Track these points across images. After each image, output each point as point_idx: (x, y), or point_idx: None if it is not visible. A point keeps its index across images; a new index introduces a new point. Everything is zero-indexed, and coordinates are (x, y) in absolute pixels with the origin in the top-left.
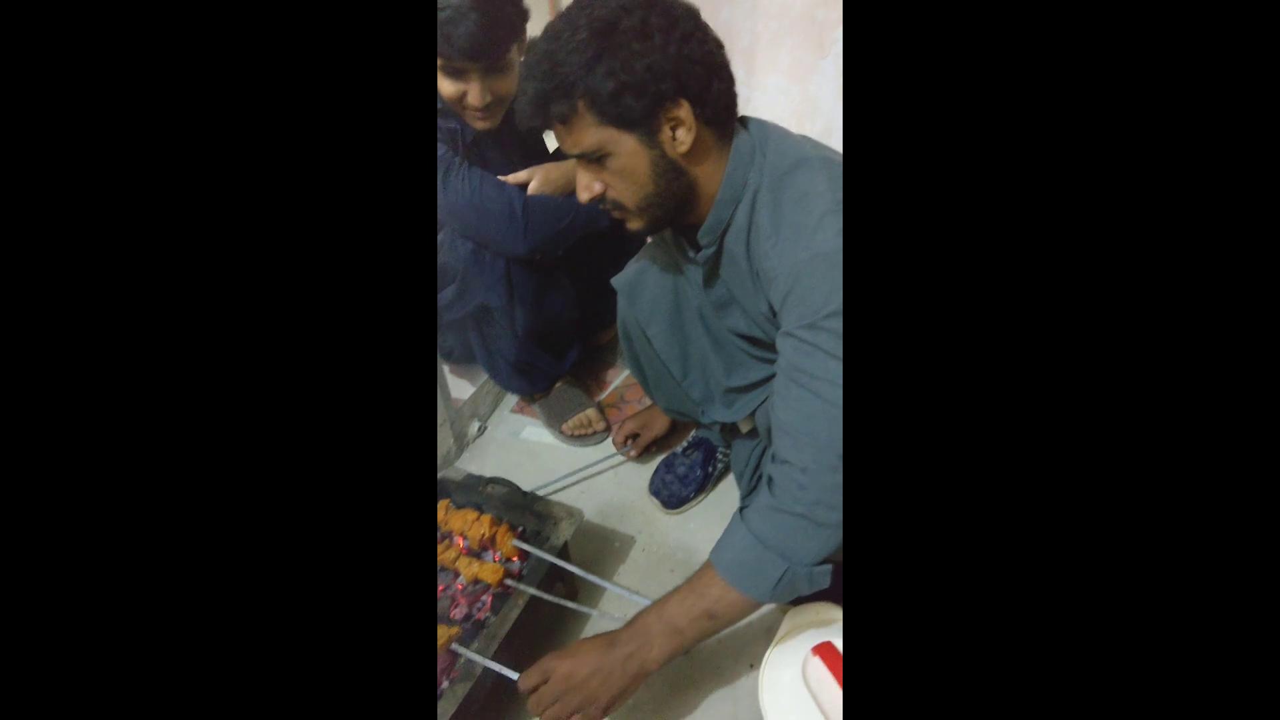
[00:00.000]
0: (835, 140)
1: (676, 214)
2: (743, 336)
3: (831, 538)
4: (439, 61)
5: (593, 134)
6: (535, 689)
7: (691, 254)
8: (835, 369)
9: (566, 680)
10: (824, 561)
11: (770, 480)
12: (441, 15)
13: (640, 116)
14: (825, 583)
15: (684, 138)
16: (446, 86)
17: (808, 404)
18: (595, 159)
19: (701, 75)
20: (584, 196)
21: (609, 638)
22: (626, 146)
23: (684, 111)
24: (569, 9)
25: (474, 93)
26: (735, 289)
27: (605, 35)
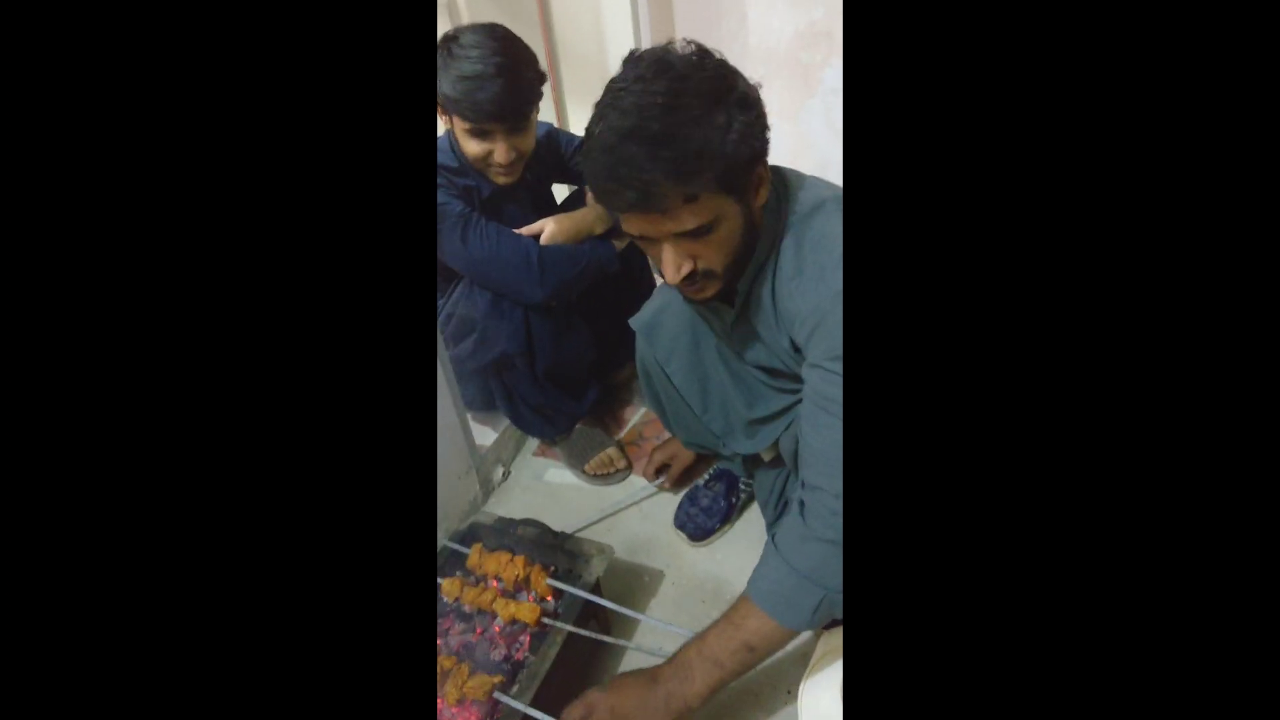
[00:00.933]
0: (830, 173)
1: (744, 269)
2: (762, 368)
3: None
4: (466, 125)
5: (713, 206)
6: None
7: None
8: None
9: (610, 716)
10: None
11: (802, 505)
12: (469, 84)
13: (746, 180)
14: None
15: (763, 194)
16: (472, 146)
17: (837, 431)
18: (701, 233)
19: (765, 131)
20: (675, 277)
21: (651, 673)
22: (732, 212)
23: (765, 168)
24: (641, 81)
25: (499, 151)
26: (759, 325)
27: (722, 103)
